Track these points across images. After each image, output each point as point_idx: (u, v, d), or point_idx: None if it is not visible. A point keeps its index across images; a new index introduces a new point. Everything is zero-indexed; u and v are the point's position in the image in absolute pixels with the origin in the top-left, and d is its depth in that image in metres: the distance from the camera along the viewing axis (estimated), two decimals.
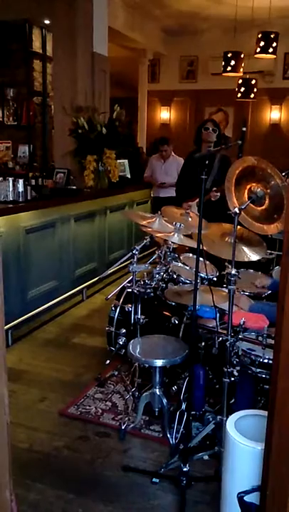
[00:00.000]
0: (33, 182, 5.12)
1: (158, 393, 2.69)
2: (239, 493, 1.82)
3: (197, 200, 4.11)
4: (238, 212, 2.23)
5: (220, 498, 2.03)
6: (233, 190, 2.35)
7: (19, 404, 3.07)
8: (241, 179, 2.35)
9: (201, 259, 2.36)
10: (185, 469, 2.31)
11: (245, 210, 2.31)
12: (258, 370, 2.38)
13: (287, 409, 1.46)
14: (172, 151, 6.10)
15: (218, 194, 3.89)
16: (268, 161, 2.26)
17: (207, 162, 2.27)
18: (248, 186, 2.34)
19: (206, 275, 2.72)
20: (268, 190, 2.27)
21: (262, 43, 7.06)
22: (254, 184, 2.31)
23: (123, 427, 2.76)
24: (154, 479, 2.40)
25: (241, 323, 2.46)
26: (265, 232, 2.43)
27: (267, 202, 2.31)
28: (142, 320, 3.05)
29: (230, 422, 1.99)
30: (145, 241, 3.24)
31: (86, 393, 3.21)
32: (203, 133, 4.18)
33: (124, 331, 3.30)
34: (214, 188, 3.91)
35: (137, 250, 3.05)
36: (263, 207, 2.32)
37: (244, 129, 2.61)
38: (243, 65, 7.69)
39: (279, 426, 1.50)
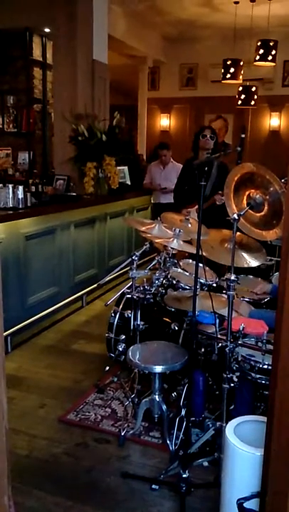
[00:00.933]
0: (33, 189, 5.14)
1: (157, 399, 2.68)
2: (239, 500, 1.81)
3: (197, 206, 4.12)
4: (236, 218, 2.24)
5: (219, 505, 2.02)
6: (232, 196, 2.36)
7: (18, 411, 3.06)
8: (240, 185, 2.36)
9: (200, 264, 2.36)
10: (185, 476, 2.31)
11: (244, 216, 2.32)
12: (258, 375, 2.38)
13: (286, 415, 1.46)
14: (171, 158, 6.12)
15: (224, 198, 3.90)
16: (266, 168, 2.27)
17: (206, 169, 2.28)
18: (247, 192, 2.35)
19: (206, 281, 2.73)
20: (267, 197, 2.28)
21: (261, 51, 7.12)
22: (253, 190, 2.32)
23: (122, 434, 2.75)
24: (153, 486, 2.40)
25: (241, 329, 2.46)
26: (264, 238, 2.44)
27: (266, 208, 2.32)
28: (141, 326, 3.05)
29: (230, 428, 1.98)
30: (145, 247, 3.25)
31: (85, 400, 3.20)
32: (200, 140, 4.19)
33: (124, 337, 3.29)
34: (220, 192, 3.89)
35: (136, 256, 3.06)
36: (262, 213, 2.34)
37: (243, 135, 2.62)
38: (242, 72, 7.74)
39: (278, 431, 1.50)
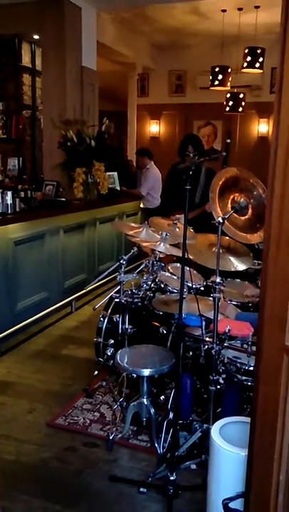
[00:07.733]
0: (22, 194, 5.13)
1: (146, 403, 2.68)
2: (224, 500, 1.83)
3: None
4: (221, 221, 2.26)
5: (206, 506, 2.03)
6: (217, 200, 2.39)
7: (7, 416, 3.06)
8: (225, 189, 2.40)
9: (187, 268, 2.38)
10: (172, 478, 2.31)
11: (229, 219, 2.35)
12: (244, 377, 2.40)
13: (269, 414, 1.48)
14: (149, 164, 6.56)
15: None
16: (250, 172, 2.30)
17: (191, 173, 2.30)
18: (232, 196, 2.39)
19: (192, 284, 2.75)
20: (251, 200, 2.31)
21: (249, 58, 7.20)
22: (237, 194, 2.35)
23: (111, 437, 2.75)
24: (141, 489, 2.40)
25: (226, 331, 2.48)
26: (249, 241, 2.48)
27: (250, 212, 2.35)
28: (129, 330, 3.06)
29: (215, 429, 2.00)
30: (133, 251, 3.27)
31: (74, 404, 3.20)
32: (185, 158, 4.13)
33: (112, 341, 3.29)
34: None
35: (124, 260, 3.07)
36: (246, 216, 2.37)
37: (228, 140, 2.67)
38: (230, 79, 7.82)
39: (261, 431, 1.52)
